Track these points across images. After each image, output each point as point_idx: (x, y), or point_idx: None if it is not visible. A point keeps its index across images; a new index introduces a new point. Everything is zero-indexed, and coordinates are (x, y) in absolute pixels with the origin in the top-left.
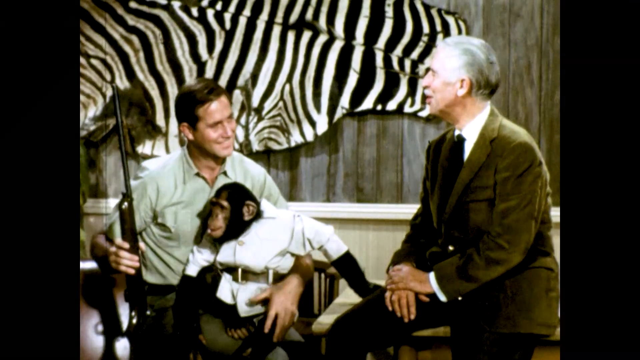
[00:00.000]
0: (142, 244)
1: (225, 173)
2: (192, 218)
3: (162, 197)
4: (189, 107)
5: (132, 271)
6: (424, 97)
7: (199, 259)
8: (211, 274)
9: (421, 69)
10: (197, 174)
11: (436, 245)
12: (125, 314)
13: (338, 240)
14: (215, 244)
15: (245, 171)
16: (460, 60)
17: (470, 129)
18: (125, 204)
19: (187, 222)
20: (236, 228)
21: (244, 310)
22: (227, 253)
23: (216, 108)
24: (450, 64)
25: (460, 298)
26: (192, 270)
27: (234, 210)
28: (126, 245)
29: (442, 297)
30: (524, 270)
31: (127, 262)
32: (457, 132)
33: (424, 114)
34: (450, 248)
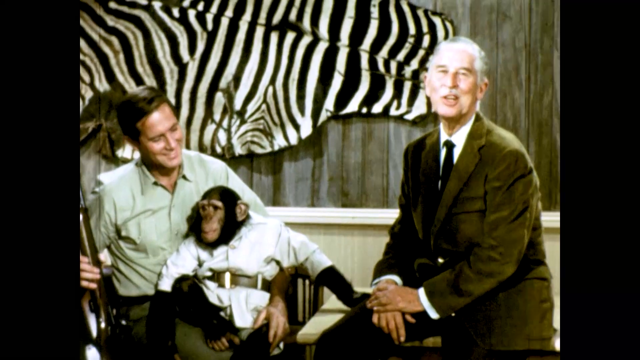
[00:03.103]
0: (102, 255)
1: (184, 176)
2: (157, 227)
3: (121, 211)
4: (128, 121)
5: (93, 285)
6: (411, 99)
7: (172, 272)
8: (187, 283)
9: (407, 70)
10: (155, 183)
11: (424, 256)
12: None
13: (323, 255)
14: (198, 251)
15: (206, 170)
16: (483, 62)
17: (460, 135)
18: (80, 216)
19: (151, 231)
20: (230, 230)
21: (239, 315)
22: (220, 258)
23: (156, 120)
24: (478, 65)
25: (453, 314)
26: (166, 285)
27: (228, 210)
28: (85, 259)
29: (434, 315)
30: (518, 282)
31: (87, 275)
32: (445, 138)
33: (410, 117)
34: (440, 260)
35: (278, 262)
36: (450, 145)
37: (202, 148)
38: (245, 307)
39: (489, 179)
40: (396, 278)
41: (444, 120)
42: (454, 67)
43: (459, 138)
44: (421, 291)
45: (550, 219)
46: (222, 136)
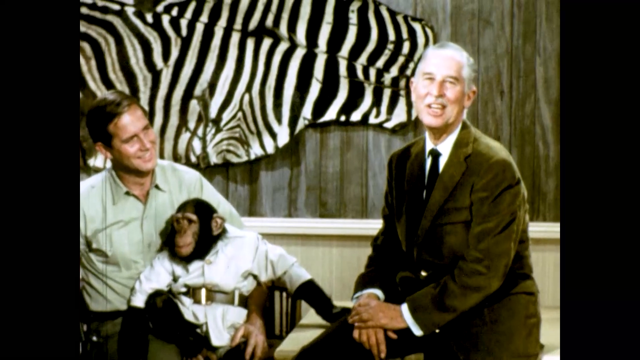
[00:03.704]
0: None
1: (157, 186)
2: (129, 239)
3: (91, 222)
4: (99, 125)
5: None
6: (390, 107)
7: (146, 288)
8: (162, 298)
9: (386, 78)
10: (127, 193)
11: (406, 269)
12: None
13: (302, 268)
14: (172, 266)
15: (180, 180)
16: (471, 70)
17: (446, 144)
18: None
19: (123, 243)
20: (205, 244)
21: (215, 334)
22: (195, 274)
23: (128, 121)
24: (466, 72)
25: (437, 330)
26: (139, 301)
27: (203, 224)
28: None
29: (418, 332)
30: (503, 297)
31: None
32: (431, 146)
33: (389, 125)
34: (423, 273)
35: (255, 277)
36: (435, 154)
37: (176, 157)
38: (221, 325)
39: (475, 189)
40: (378, 292)
41: (429, 129)
42: (440, 75)
43: (445, 147)
44: (404, 307)
45: (533, 229)
46: (196, 145)
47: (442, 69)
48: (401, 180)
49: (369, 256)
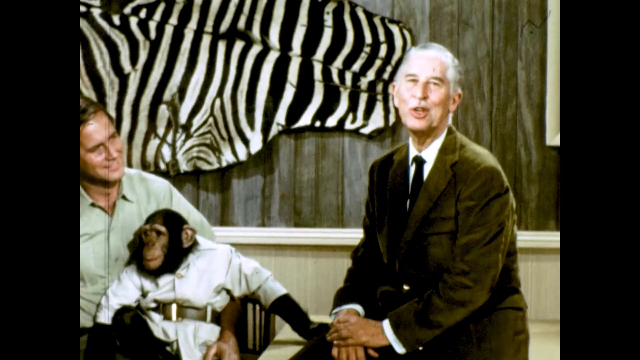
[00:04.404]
0: None
1: (124, 197)
2: (94, 252)
3: None
4: None
5: None
6: (367, 112)
7: (113, 303)
8: (129, 314)
9: (363, 82)
10: (92, 204)
11: (388, 283)
12: None
13: (277, 282)
14: (141, 280)
15: (148, 190)
16: (457, 72)
17: (430, 150)
18: None
19: (88, 257)
20: (175, 257)
21: (186, 352)
22: (165, 288)
23: (93, 129)
24: (451, 74)
25: (421, 348)
26: (106, 317)
27: (172, 236)
28: None
29: (401, 349)
30: (491, 312)
31: None
32: (415, 153)
33: (366, 131)
34: (406, 287)
35: (229, 291)
36: (420, 161)
37: (144, 164)
38: (193, 342)
39: (462, 198)
40: (358, 307)
41: (413, 134)
42: (424, 77)
43: (430, 153)
44: (386, 323)
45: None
46: (166, 152)
47: (425, 70)
48: (383, 189)
49: (349, 269)
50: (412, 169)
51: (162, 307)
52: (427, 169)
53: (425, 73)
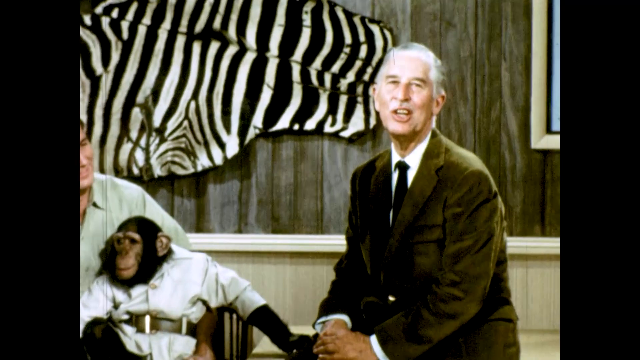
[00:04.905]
0: None
1: (95, 204)
2: None
3: None
4: None
5: None
6: (347, 114)
7: (83, 316)
8: (101, 327)
9: (343, 83)
10: None
11: (372, 294)
12: None
13: (255, 293)
14: (113, 291)
15: (120, 196)
16: (440, 72)
17: (414, 155)
18: None
19: None
20: (149, 266)
21: None
22: (139, 299)
23: None
24: (434, 75)
25: None
26: None
27: (147, 244)
28: None
29: None
30: (481, 325)
31: None
32: (398, 159)
33: (346, 134)
34: (391, 298)
35: (205, 302)
36: (403, 167)
37: (117, 169)
38: (167, 356)
39: (449, 204)
40: (345, 318)
41: (395, 139)
42: (406, 78)
43: (414, 159)
44: (373, 338)
45: None
46: (139, 156)
47: (407, 71)
48: (366, 197)
49: (332, 281)
50: (396, 176)
51: (135, 319)
52: (411, 175)
53: (407, 74)
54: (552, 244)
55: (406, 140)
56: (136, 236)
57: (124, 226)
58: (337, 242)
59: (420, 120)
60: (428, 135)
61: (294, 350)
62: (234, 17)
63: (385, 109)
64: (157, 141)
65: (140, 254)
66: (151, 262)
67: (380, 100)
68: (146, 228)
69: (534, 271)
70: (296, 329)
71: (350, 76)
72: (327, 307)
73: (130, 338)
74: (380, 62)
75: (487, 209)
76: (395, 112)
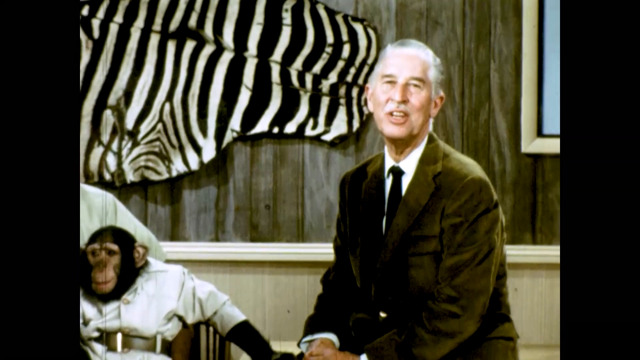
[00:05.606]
0: None
1: None
2: None
3: None
4: None
5: None
6: (329, 117)
7: None
8: None
9: (324, 85)
10: None
11: (362, 310)
12: None
13: (235, 308)
14: (82, 306)
15: (90, 205)
16: (439, 72)
17: (410, 160)
18: None
19: None
20: (127, 279)
21: None
22: (110, 316)
23: None
24: (433, 74)
25: None
26: None
27: (125, 255)
28: None
29: None
30: (479, 343)
31: None
32: (392, 164)
33: (328, 137)
34: (382, 315)
35: (181, 318)
36: (397, 173)
37: (87, 175)
38: None
39: (447, 214)
40: (333, 337)
41: (390, 142)
42: (403, 77)
43: (409, 164)
44: (364, 358)
45: None
46: (111, 161)
47: (404, 71)
48: (356, 204)
49: (319, 295)
50: (389, 182)
51: (105, 337)
52: (406, 181)
53: (405, 73)
54: (543, 252)
55: (402, 144)
56: (114, 247)
57: (97, 237)
58: (318, 251)
59: (418, 123)
60: (425, 140)
61: None
62: (210, 15)
63: (380, 110)
64: (129, 145)
65: (119, 265)
66: (129, 275)
67: (375, 101)
68: (122, 238)
69: (523, 281)
70: (276, 344)
71: (333, 77)
72: (312, 325)
73: (100, 357)
74: (363, 62)
75: (488, 220)
76: (391, 114)
